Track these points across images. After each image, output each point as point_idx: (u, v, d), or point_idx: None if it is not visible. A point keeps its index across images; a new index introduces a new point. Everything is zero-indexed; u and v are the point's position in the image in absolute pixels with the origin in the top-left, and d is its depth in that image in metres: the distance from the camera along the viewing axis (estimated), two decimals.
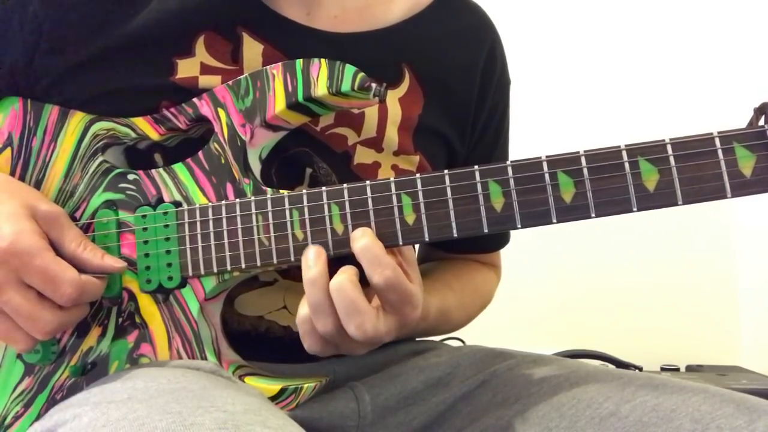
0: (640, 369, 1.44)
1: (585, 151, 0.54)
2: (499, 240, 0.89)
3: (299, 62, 0.61)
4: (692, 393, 0.56)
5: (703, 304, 1.65)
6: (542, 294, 1.65)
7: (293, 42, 0.68)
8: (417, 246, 0.88)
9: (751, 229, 1.64)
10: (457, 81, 0.76)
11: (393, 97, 0.71)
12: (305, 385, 0.58)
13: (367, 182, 0.58)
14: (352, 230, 0.57)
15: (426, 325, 0.70)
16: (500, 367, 0.69)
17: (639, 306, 1.65)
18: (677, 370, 1.50)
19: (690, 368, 1.54)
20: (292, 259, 0.58)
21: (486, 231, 0.55)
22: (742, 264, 1.67)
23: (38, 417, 0.62)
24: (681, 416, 0.54)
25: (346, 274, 0.55)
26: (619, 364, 1.46)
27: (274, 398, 0.58)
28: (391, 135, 0.71)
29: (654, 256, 1.66)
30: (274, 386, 0.58)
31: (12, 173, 0.66)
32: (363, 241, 0.55)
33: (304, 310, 0.56)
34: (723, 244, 1.68)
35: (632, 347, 1.54)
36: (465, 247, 0.86)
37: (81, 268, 0.58)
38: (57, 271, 0.56)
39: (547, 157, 0.54)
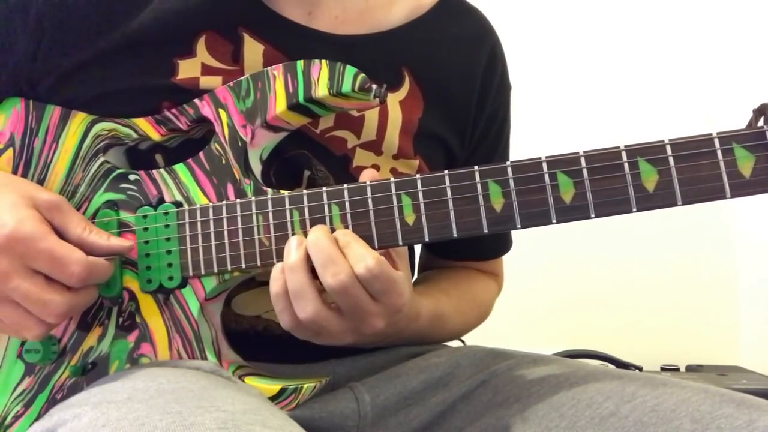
0: (640, 369, 1.44)
1: (584, 152, 0.54)
2: (500, 247, 0.88)
3: (300, 63, 0.61)
4: (692, 393, 0.56)
5: (703, 304, 1.65)
6: (542, 294, 1.65)
7: (294, 43, 0.68)
8: (418, 252, 0.88)
9: (751, 230, 1.64)
10: (457, 85, 0.76)
11: (393, 101, 0.71)
12: (305, 385, 0.59)
13: (368, 182, 0.58)
14: (353, 230, 0.57)
15: (418, 327, 0.70)
16: (500, 367, 0.69)
17: (639, 306, 1.65)
18: (677, 370, 1.50)
19: (690, 368, 1.54)
20: None
21: (486, 231, 0.55)
22: (742, 264, 1.67)
23: (38, 417, 0.62)
24: (681, 416, 0.54)
25: (322, 231, 0.56)
26: (619, 364, 1.46)
27: (274, 398, 0.58)
28: (392, 138, 0.71)
29: (654, 256, 1.66)
30: (273, 386, 0.58)
31: (14, 174, 0.66)
32: (345, 239, 0.56)
33: (276, 287, 0.57)
34: (723, 244, 1.68)
35: (632, 347, 1.54)
36: (465, 253, 0.85)
37: (88, 251, 0.58)
38: (63, 251, 0.56)
39: (546, 157, 0.54)
